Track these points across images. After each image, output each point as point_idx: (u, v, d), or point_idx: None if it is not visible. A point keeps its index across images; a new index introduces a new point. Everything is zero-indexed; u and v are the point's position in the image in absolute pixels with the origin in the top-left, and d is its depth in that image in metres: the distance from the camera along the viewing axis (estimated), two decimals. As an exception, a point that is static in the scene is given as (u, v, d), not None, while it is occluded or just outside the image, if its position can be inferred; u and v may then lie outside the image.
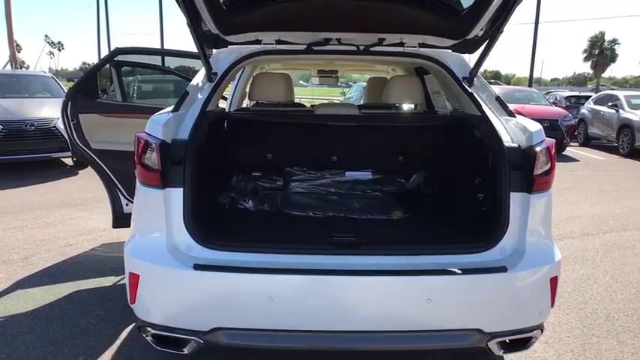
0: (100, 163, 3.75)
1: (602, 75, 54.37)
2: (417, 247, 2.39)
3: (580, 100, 20.20)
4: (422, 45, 3.17)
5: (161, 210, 2.25)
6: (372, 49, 3.11)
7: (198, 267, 2.11)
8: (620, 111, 14.15)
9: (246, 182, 3.59)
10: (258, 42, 3.15)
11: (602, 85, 47.59)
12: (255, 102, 3.69)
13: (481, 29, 2.82)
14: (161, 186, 2.27)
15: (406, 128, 3.53)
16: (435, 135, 3.57)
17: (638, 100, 14.70)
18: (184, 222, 2.27)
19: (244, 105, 4.96)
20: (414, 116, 3.57)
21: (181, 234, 2.23)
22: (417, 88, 3.47)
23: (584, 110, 16.40)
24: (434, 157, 3.67)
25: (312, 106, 6.52)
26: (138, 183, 2.36)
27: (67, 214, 5.89)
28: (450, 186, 3.48)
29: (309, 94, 19.80)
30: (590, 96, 18.68)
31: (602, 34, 53.94)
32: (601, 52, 52.18)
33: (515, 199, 2.41)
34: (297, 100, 4.70)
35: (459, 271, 2.18)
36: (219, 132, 3.45)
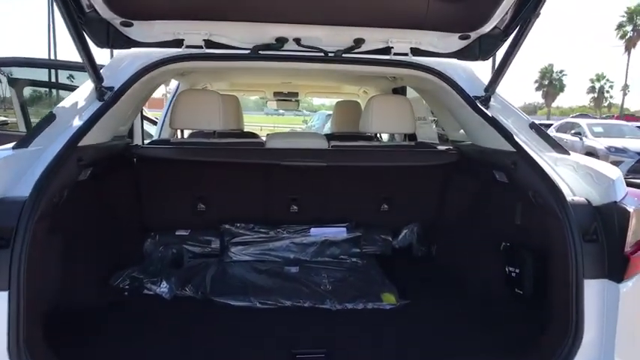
0: None
1: (552, 104, 56.87)
2: None
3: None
4: (415, 52, 2.24)
5: None
6: (345, 54, 2.15)
7: None
8: (584, 139, 14.04)
9: (167, 247, 2.47)
10: (179, 43, 2.12)
11: (553, 115, 49.60)
12: (179, 131, 2.62)
13: (505, 14, 1.91)
14: None
15: (394, 167, 2.53)
16: (433, 175, 2.60)
17: (599, 128, 14.73)
18: (9, 350, 1.18)
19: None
20: (406, 151, 2.60)
21: None
22: (408, 113, 2.51)
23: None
24: (431, 206, 2.69)
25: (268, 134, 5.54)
26: None
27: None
28: (456, 247, 2.50)
29: (264, 122, 18.82)
30: (548, 125, 18.77)
31: (551, 65, 56.68)
32: (550, 83, 54.62)
33: (593, 290, 1.44)
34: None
35: None
36: (119, 175, 2.34)
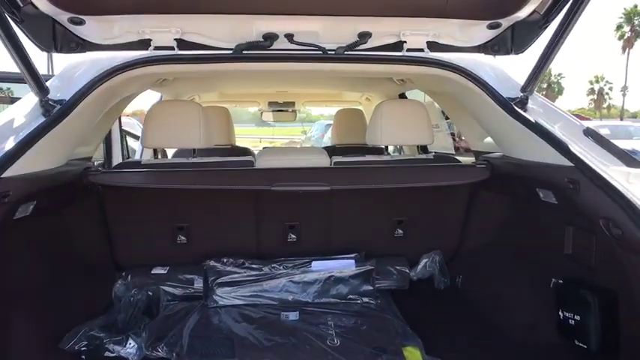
0: None
1: (552, 108, 56.61)
2: None
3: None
4: (432, 46, 1.85)
5: None
6: (348, 52, 1.76)
7: None
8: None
9: (141, 289, 2.05)
10: (146, 44, 1.74)
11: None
12: (154, 151, 2.21)
13: None
14: None
15: (413, 181, 2.10)
16: (457, 194, 2.18)
17: (605, 129, 14.35)
18: None
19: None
20: (425, 167, 2.15)
21: None
22: (424, 120, 2.11)
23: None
24: (455, 230, 2.28)
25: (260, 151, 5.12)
26: None
27: None
28: (487, 279, 2.09)
29: (263, 134, 18.45)
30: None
31: (549, 69, 56.56)
32: (549, 86, 54.38)
33: None
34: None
35: None
36: (79, 206, 1.93)
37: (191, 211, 2.12)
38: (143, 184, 1.83)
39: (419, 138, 2.16)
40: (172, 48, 1.72)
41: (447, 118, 3.49)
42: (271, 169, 2.00)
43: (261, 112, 4.54)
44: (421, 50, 1.84)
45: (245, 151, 3.38)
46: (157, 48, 1.73)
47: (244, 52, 1.73)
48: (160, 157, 2.88)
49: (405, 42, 1.82)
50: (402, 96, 3.46)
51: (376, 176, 1.95)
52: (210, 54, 1.71)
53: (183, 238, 2.15)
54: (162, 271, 2.15)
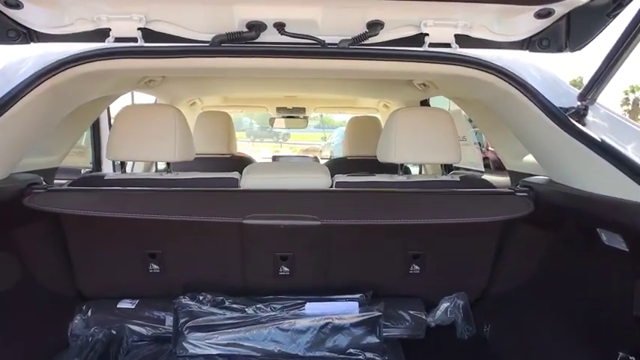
0: None
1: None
2: None
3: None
4: (461, 40, 1.47)
5: None
6: (352, 46, 1.39)
7: None
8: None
9: (102, 327, 1.72)
10: (103, 34, 1.41)
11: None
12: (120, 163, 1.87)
13: None
14: None
15: (433, 215, 1.67)
16: (488, 224, 1.76)
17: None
18: None
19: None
20: (450, 194, 1.68)
21: None
22: (451, 134, 1.72)
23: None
24: (483, 268, 1.86)
25: (273, 157, 4.76)
26: None
27: None
28: (523, 332, 1.67)
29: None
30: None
31: (581, 78, 54.87)
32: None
33: None
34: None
35: None
36: (29, 228, 1.60)
37: (165, 236, 1.77)
38: (82, 210, 1.47)
39: (443, 156, 1.76)
40: (135, 39, 1.38)
41: (473, 125, 3.06)
42: (256, 190, 1.63)
43: (272, 119, 4.21)
44: (447, 45, 1.46)
45: (244, 162, 3.03)
46: (117, 39, 1.40)
47: (224, 45, 1.38)
48: (129, 169, 2.56)
49: (427, 34, 1.44)
50: (425, 103, 3.06)
51: (386, 205, 1.56)
52: (179, 47, 1.37)
53: (155, 266, 1.80)
54: (130, 306, 1.81)
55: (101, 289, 1.83)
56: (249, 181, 1.69)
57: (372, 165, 3.04)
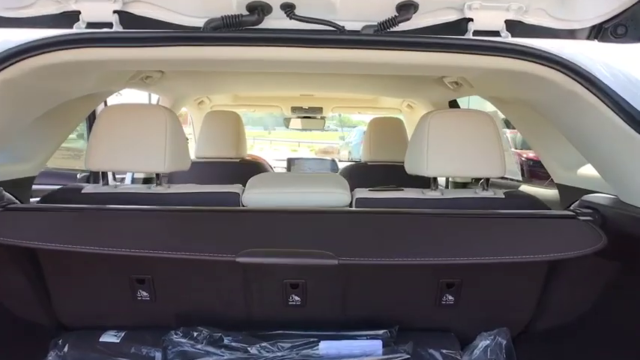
0: None
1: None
2: None
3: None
4: (513, 27, 1.18)
5: None
6: (379, 33, 1.11)
7: None
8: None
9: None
10: (71, 18, 1.16)
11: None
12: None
13: None
14: None
15: (480, 250, 1.36)
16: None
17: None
18: None
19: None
20: (499, 216, 1.37)
21: None
22: (496, 144, 1.43)
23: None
24: (529, 300, 1.56)
25: (288, 160, 4.48)
26: None
27: None
28: None
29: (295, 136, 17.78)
30: None
31: None
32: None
33: None
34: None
35: None
36: None
37: (156, 259, 1.51)
38: (44, 242, 1.21)
39: (485, 168, 1.46)
40: (110, 25, 1.13)
41: (506, 126, 2.74)
42: (260, 210, 1.36)
43: (287, 120, 3.94)
44: (495, 34, 1.18)
45: (255, 168, 2.77)
46: (90, 25, 1.15)
47: (218, 31, 1.12)
48: (111, 181, 2.32)
49: (472, 20, 1.16)
50: (454, 104, 2.76)
51: (419, 233, 1.27)
52: (162, 33, 1.11)
53: (144, 293, 1.55)
54: (115, 339, 1.56)
55: (83, 319, 1.59)
56: (252, 196, 1.42)
57: (394, 172, 2.75)
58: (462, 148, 1.41)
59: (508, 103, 1.85)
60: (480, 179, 1.55)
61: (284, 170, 4.23)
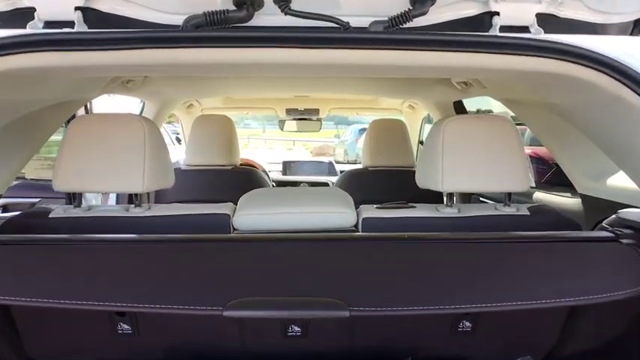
0: None
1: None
2: None
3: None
4: (545, 21, 1.01)
5: None
6: (390, 30, 0.93)
7: None
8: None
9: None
10: (26, 16, 0.97)
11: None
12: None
13: None
14: None
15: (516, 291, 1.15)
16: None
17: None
18: None
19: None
20: (528, 240, 1.18)
21: None
22: (520, 151, 1.26)
23: None
24: (553, 325, 1.40)
25: (283, 163, 4.29)
26: None
27: None
28: None
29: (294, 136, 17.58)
30: None
31: None
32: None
33: None
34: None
35: None
36: None
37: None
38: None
39: (508, 182, 1.28)
40: (71, 24, 0.95)
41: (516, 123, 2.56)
42: (252, 239, 1.18)
43: (282, 122, 3.75)
44: (525, 29, 1.01)
45: (249, 177, 2.59)
46: (47, 24, 0.97)
47: (200, 30, 0.94)
48: (87, 200, 2.12)
49: (497, 14, 0.99)
50: (459, 105, 2.59)
51: (438, 264, 1.09)
52: (130, 33, 0.93)
53: (126, 326, 1.37)
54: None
55: (55, 354, 1.41)
56: (244, 219, 1.25)
57: (397, 178, 2.58)
58: (482, 159, 1.25)
59: (525, 106, 1.69)
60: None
61: (279, 174, 4.05)
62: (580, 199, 1.65)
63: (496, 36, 0.96)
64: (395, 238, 1.17)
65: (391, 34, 0.93)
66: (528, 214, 1.31)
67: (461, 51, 0.94)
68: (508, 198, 1.33)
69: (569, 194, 1.86)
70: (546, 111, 1.46)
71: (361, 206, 1.35)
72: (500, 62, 1.01)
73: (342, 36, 0.92)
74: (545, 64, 0.97)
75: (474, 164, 1.25)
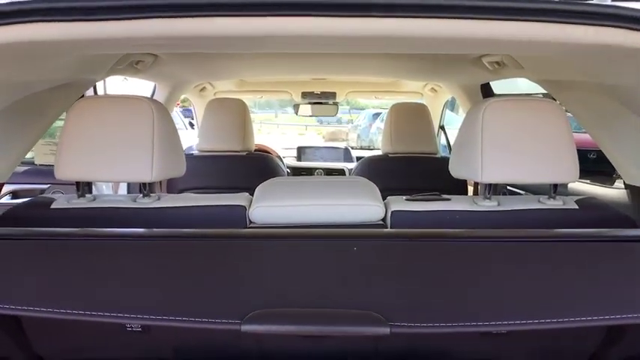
0: None
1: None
2: None
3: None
4: None
5: None
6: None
7: None
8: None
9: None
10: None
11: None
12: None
13: None
14: None
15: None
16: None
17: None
18: None
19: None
20: (585, 238, 1.03)
21: None
22: (568, 137, 1.13)
23: None
24: (595, 334, 1.28)
25: (298, 149, 4.17)
26: None
27: None
28: None
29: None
30: None
31: None
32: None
33: None
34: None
35: None
36: None
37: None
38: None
39: (557, 171, 1.15)
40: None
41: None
42: (271, 236, 1.07)
43: (296, 106, 3.62)
44: None
45: (264, 163, 2.48)
46: None
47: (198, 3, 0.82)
48: (94, 191, 2.03)
49: None
50: (486, 88, 2.44)
51: (479, 275, 0.96)
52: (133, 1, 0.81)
53: (136, 328, 1.29)
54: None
55: (63, 352, 1.34)
56: (262, 211, 1.14)
57: (419, 165, 2.45)
58: (527, 146, 1.11)
59: (569, 88, 1.53)
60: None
61: (294, 160, 3.94)
62: (626, 191, 1.50)
63: (552, 1, 0.82)
64: (428, 235, 1.05)
65: (442, 1, 0.79)
66: (577, 207, 1.18)
67: (510, 19, 0.80)
68: (554, 189, 1.20)
69: (607, 185, 1.72)
70: (596, 94, 1.31)
71: (388, 198, 1.23)
72: (554, 33, 0.86)
73: (382, 2, 0.79)
74: (611, 35, 0.83)
75: (518, 152, 1.11)
